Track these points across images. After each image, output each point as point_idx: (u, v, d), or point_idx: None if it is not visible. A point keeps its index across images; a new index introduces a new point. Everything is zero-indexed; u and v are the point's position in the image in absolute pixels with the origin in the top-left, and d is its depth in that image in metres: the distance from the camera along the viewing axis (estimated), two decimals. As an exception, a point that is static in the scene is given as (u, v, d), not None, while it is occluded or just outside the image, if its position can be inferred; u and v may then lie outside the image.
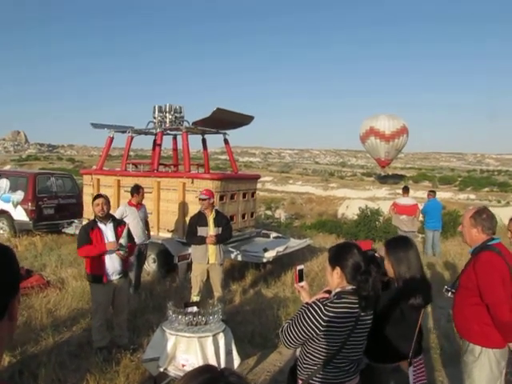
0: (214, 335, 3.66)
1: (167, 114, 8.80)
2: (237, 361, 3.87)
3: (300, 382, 2.31)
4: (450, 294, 3.15)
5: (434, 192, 11.16)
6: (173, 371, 3.63)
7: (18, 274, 1.02)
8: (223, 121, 8.49)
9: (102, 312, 4.59)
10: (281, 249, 7.52)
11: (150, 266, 7.64)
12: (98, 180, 8.97)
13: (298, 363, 2.33)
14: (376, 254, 2.61)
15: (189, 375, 0.94)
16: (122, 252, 4.53)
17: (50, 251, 8.96)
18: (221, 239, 5.66)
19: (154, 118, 8.87)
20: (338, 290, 2.25)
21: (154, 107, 8.86)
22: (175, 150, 10.09)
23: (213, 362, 3.52)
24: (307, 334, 2.18)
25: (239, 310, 5.97)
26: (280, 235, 9.31)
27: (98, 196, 4.79)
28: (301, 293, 2.47)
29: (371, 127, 34.93)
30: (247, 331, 5.14)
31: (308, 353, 2.23)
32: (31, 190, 10.55)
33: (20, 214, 10.55)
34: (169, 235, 7.83)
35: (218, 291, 5.69)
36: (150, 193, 7.89)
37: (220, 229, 5.67)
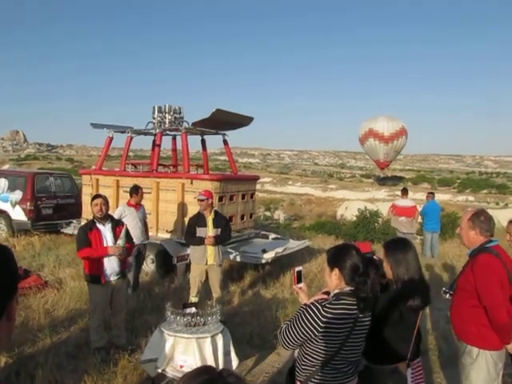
0: (213, 336, 3.65)
1: (166, 115, 8.80)
2: (235, 362, 3.87)
3: (298, 383, 2.30)
4: (447, 295, 3.16)
5: (432, 194, 11.17)
6: (171, 372, 3.62)
7: (16, 274, 1.02)
8: (223, 122, 8.49)
9: (100, 312, 4.58)
10: (280, 250, 7.52)
11: (149, 266, 7.63)
12: (97, 180, 8.96)
13: (296, 364, 2.33)
14: (374, 257, 2.61)
15: (187, 376, 0.94)
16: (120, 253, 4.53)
17: (48, 251, 8.94)
18: (220, 240, 5.66)
19: (154, 118, 8.86)
20: (336, 291, 2.26)
21: (154, 108, 8.86)
22: (174, 150, 10.09)
23: (211, 363, 3.52)
24: (306, 335, 2.18)
25: (238, 311, 5.96)
26: (279, 236, 9.31)
27: (97, 196, 4.78)
28: (299, 294, 2.47)
29: (370, 129, 35.02)
30: (246, 332, 5.13)
31: (306, 354, 2.23)
32: (30, 189, 10.53)
33: (18, 214, 10.53)
34: (168, 236, 7.82)
35: (216, 292, 5.69)
36: (149, 193, 7.88)
37: (219, 230, 5.66)
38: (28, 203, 10.43)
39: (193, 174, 8.31)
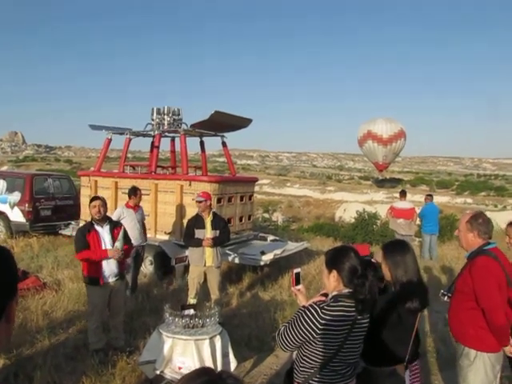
0: (211, 338, 3.65)
1: (165, 116, 8.80)
2: (233, 364, 3.87)
3: (296, 385, 2.30)
4: (446, 298, 3.16)
5: (431, 196, 11.19)
6: (169, 374, 3.62)
7: (15, 275, 1.01)
8: (221, 123, 8.50)
9: (98, 314, 4.57)
10: (278, 252, 7.52)
11: (147, 268, 7.62)
12: (96, 182, 8.96)
13: (294, 366, 2.33)
14: (372, 260, 2.62)
15: (186, 378, 0.94)
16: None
17: (47, 253, 8.93)
18: (218, 242, 5.66)
19: (152, 120, 8.87)
20: (334, 293, 2.26)
21: (153, 109, 8.86)
22: (173, 152, 10.09)
23: (209, 364, 3.51)
24: (304, 337, 2.19)
25: (236, 313, 5.96)
26: (277, 238, 9.31)
27: (95, 198, 4.78)
28: (298, 296, 2.47)
29: (369, 131, 35.05)
30: (244, 334, 5.13)
31: (304, 356, 2.24)
32: (28, 191, 10.52)
33: (17, 215, 10.51)
34: (166, 237, 7.82)
35: (214, 294, 5.69)
36: (148, 195, 7.88)
37: (217, 231, 5.66)
38: (26, 204, 10.41)
39: (191, 175, 8.31)
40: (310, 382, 2.23)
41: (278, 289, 7.15)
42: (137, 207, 6.67)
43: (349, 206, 24.55)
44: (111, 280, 4.56)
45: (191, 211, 6.87)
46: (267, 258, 7.21)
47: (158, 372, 3.65)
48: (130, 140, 9.13)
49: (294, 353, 2.36)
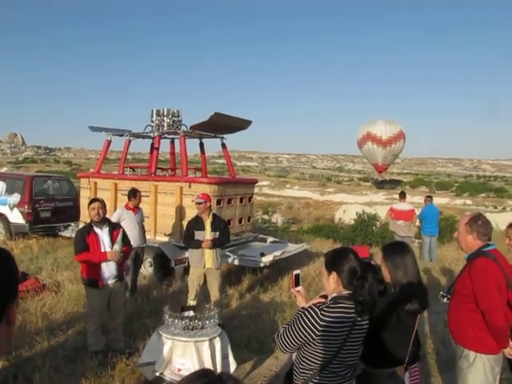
0: (211, 340, 3.65)
1: (165, 118, 8.80)
2: (233, 365, 3.87)
3: (296, 386, 2.30)
4: (445, 299, 3.17)
5: (430, 197, 11.20)
6: (169, 376, 3.62)
7: (16, 277, 1.01)
8: (221, 125, 8.51)
9: (97, 316, 4.57)
10: (278, 253, 7.52)
11: (147, 269, 7.62)
12: (96, 183, 8.95)
13: (294, 368, 2.33)
14: (372, 262, 2.62)
15: (186, 379, 0.94)
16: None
17: (46, 254, 8.93)
18: (218, 243, 5.65)
19: (152, 121, 8.87)
20: (334, 294, 2.26)
21: (152, 111, 8.87)
22: (173, 153, 10.10)
23: (209, 366, 3.51)
24: (303, 339, 2.19)
25: (236, 315, 5.96)
26: (277, 240, 9.31)
27: (94, 200, 4.78)
28: (297, 297, 2.48)
29: (368, 132, 35.08)
30: (243, 336, 5.13)
31: (304, 357, 2.24)
32: (28, 192, 10.51)
33: (16, 217, 10.51)
34: (166, 239, 7.82)
35: (214, 296, 5.68)
36: (148, 196, 7.88)
37: (217, 233, 5.65)
38: (26, 206, 10.41)
39: (191, 177, 8.32)
40: (310, 383, 2.23)
41: (278, 290, 7.15)
42: (136, 209, 6.67)
43: (348, 207, 24.53)
44: (110, 282, 4.56)
45: (191, 213, 6.87)
46: (267, 259, 7.21)
47: (157, 374, 3.65)
48: (130, 141, 9.13)
49: (294, 354, 2.36)
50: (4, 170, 33.40)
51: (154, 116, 8.83)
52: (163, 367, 3.62)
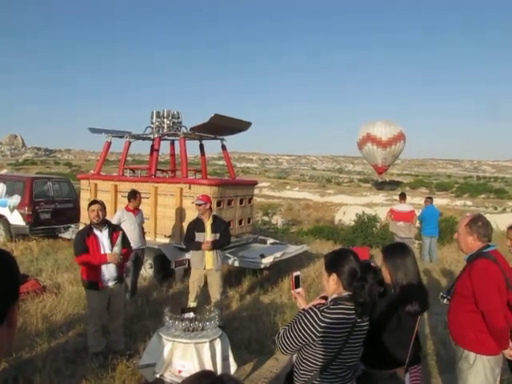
0: (211, 341, 3.65)
1: (165, 120, 8.81)
2: (233, 367, 3.87)
3: (296, 388, 2.31)
4: (445, 300, 3.17)
5: (431, 198, 11.21)
6: (169, 377, 3.62)
7: (17, 279, 1.01)
8: (221, 127, 8.51)
9: (97, 317, 4.57)
10: (278, 255, 7.52)
11: (147, 271, 7.62)
12: (96, 185, 8.95)
13: (294, 369, 2.34)
14: (372, 264, 2.62)
15: (188, 381, 0.94)
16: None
17: (47, 256, 8.93)
18: (218, 245, 5.65)
19: (152, 123, 8.88)
20: (334, 296, 2.26)
21: (152, 112, 8.88)
22: (173, 155, 10.11)
23: (209, 368, 3.51)
24: (304, 340, 2.19)
25: (236, 316, 5.96)
26: (277, 241, 9.31)
27: (94, 202, 4.78)
28: (297, 299, 2.48)
29: (368, 133, 35.09)
30: (244, 337, 5.13)
31: (304, 359, 2.24)
32: (28, 194, 10.52)
33: (16, 219, 10.51)
34: (166, 240, 7.82)
35: (215, 297, 5.68)
36: (147, 198, 7.88)
37: (217, 235, 5.65)
38: (26, 208, 10.41)
39: (191, 178, 8.32)
40: (310, 385, 2.23)
41: (278, 292, 7.15)
42: (136, 210, 6.67)
43: (348, 208, 24.55)
44: (110, 284, 4.57)
45: (191, 214, 6.88)
46: (267, 261, 7.21)
47: (157, 375, 3.65)
48: (130, 143, 9.14)
49: (294, 356, 2.36)
50: (4, 171, 33.41)
51: (154, 118, 8.84)
52: (163, 369, 3.62)
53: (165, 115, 8.82)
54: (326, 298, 2.33)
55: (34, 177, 12.15)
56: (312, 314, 2.18)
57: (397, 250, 2.77)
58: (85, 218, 8.55)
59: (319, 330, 2.15)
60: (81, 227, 7.65)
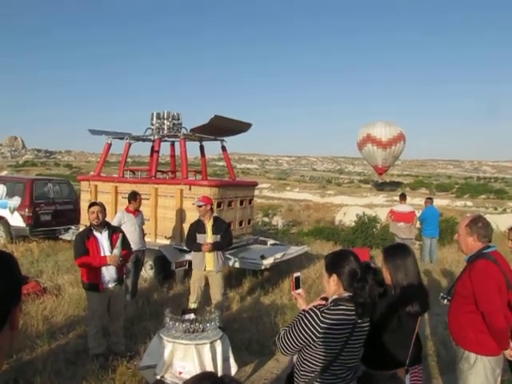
0: (212, 342, 3.65)
1: (165, 121, 8.82)
2: (234, 368, 3.87)
3: (297, 389, 2.31)
4: (445, 301, 3.17)
5: (431, 199, 11.21)
6: (170, 379, 3.62)
7: (19, 281, 1.00)
8: (221, 128, 8.52)
9: (98, 319, 4.57)
10: (278, 256, 7.52)
11: (147, 272, 7.62)
12: (96, 186, 8.96)
13: (295, 370, 2.34)
14: (372, 265, 2.62)
15: (189, 382, 0.94)
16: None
17: (47, 257, 8.93)
18: (219, 246, 5.64)
19: (152, 124, 8.88)
20: (334, 296, 2.27)
21: (152, 114, 8.88)
22: (173, 156, 10.11)
23: (210, 369, 3.51)
24: (304, 341, 2.19)
25: (236, 317, 5.96)
26: (277, 242, 9.32)
27: (93, 204, 4.78)
28: (298, 300, 2.48)
29: (368, 134, 35.06)
30: (244, 338, 5.13)
31: (305, 360, 2.24)
32: (28, 195, 10.52)
33: (17, 220, 10.51)
34: (166, 242, 7.82)
35: (215, 298, 5.68)
36: (148, 199, 7.89)
37: (218, 236, 5.65)
38: (26, 209, 10.41)
39: (191, 180, 8.32)
40: (311, 385, 2.24)
41: (279, 293, 7.14)
42: (137, 212, 6.67)
43: (349, 209, 24.53)
44: (111, 285, 4.57)
45: (191, 215, 6.88)
46: (267, 262, 7.21)
47: (158, 377, 3.65)
48: (130, 145, 9.14)
49: (295, 357, 2.36)
50: (4, 173, 33.40)
51: (154, 119, 8.85)
52: (164, 370, 3.62)
53: (165, 116, 8.82)
54: (326, 298, 2.33)
55: (35, 178, 12.15)
56: (312, 314, 2.18)
57: (397, 251, 2.77)
58: (85, 219, 8.55)
59: (320, 330, 2.15)
60: (81, 229, 7.66)
